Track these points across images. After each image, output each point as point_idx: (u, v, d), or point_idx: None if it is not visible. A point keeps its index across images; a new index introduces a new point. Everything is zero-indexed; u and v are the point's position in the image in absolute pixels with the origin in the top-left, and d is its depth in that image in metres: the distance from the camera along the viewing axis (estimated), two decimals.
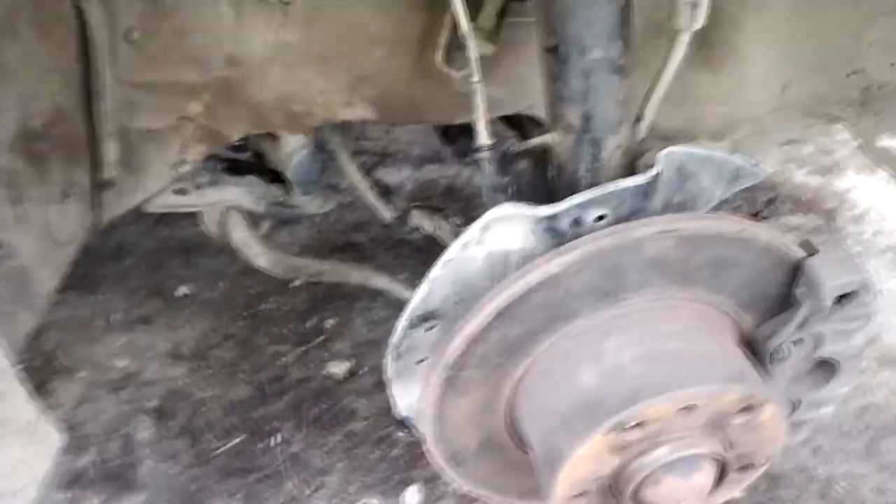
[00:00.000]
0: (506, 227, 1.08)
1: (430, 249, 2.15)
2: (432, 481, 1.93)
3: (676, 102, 1.40)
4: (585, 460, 1.06)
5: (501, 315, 1.06)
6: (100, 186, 1.46)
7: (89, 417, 2.12)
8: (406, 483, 1.93)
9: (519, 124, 1.86)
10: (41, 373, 2.24)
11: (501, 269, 1.12)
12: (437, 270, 1.11)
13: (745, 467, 1.18)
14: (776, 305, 1.18)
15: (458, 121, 1.58)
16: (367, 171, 1.79)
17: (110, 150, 1.41)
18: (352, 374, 2.26)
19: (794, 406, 1.31)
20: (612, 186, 1.05)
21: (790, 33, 1.42)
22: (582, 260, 1.02)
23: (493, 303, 1.05)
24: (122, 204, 1.57)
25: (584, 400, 1.07)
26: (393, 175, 3.13)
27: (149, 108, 1.45)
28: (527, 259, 1.11)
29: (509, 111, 1.55)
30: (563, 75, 1.07)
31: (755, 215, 1.33)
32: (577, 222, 1.07)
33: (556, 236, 1.09)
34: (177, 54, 1.37)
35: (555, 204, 1.05)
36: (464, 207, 2.97)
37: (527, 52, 1.42)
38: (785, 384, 1.23)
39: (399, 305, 2.43)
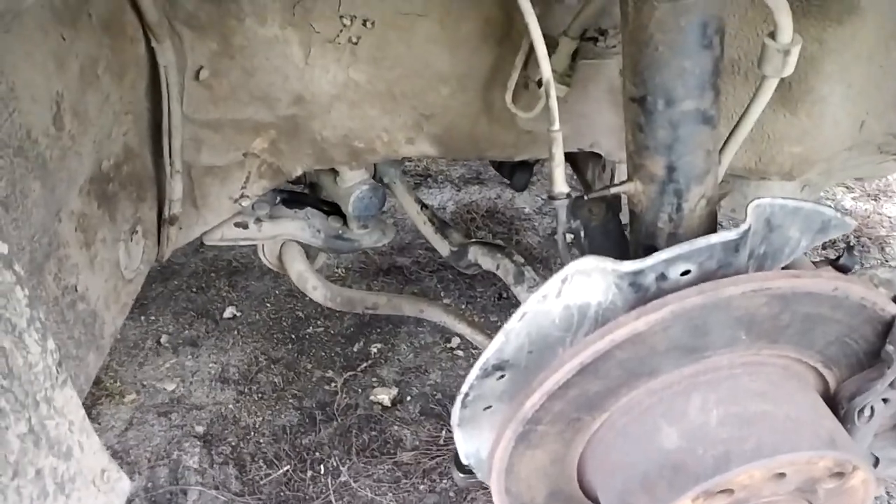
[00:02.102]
0: (586, 280, 1.05)
1: (476, 275, 2.13)
2: None
3: (749, 141, 1.37)
4: None
5: (584, 371, 1.03)
6: (164, 222, 1.47)
7: (137, 443, 2.13)
8: None
9: (572, 159, 1.84)
10: (89, 396, 2.25)
11: (579, 321, 1.09)
12: (513, 322, 1.08)
13: None
14: (862, 362, 1.14)
15: (520, 158, 1.56)
16: (423, 204, 1.77)
17: (176, 187, 1.41)
18: (398, 401, 2.24)
19: (875, 463, 1.26)
20: (701, 242, 1.01)
21: (869, 71, 1.37)
22: (670, 318, 0.99)
23: (576, 358, 1.02)
24: (184, 237, 1.57)
25: (667, 462, 1.03)
26: (435, 196, 3.12)
27: (215, 145, 1.45)
28: (606, 312, 1.08)
29: (572, 148, 1.52)
30: (650, 126, 1.04)
31: (834, 262, 1.28)
32: (661, 277, 1.04)
33: (639, 291, 1.05)
34: (245, 93, 1.37)
35: (641, 259, 1.02)
36: (506, 230, 2.95)
37: (594, 89, 1.40)
38: (868, 443, 1.19)
39: (446, 333, 2.42)
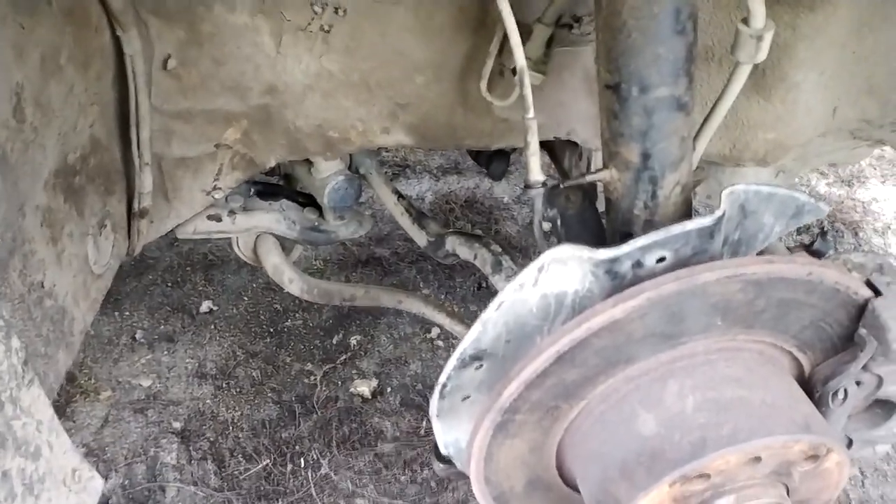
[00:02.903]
0: (563, 269, 1.05)
1: (455, 264, 2.12)
2: None
3: (723, 128, 1.37)
4: None
5: (561, 359, 1.03)
6: (134, 215, 1.44)
7: (114, 440, 2.10)
8: None
9: (549, 148, 1.83)
10: (63, 394, 2.21)
11: (556, 309, 1.09)
12: (490, 312, 1.07)
13: None
14: (836, 345, 1.15)
15: (496, 146, 1.55)
16: (399, 195, 1.75)
17: (146, 180, 1.39)
18: (378, 393, 2.23)
19: (849, 444, 1.28)
20: (676, 229, 1.01)
21: (841, 58, 1.38)
22: (646, 305, 0.99)
23: (553, 347, 1.02)
24: (156, 231, 1.54)
25: (644, 448, 1.03)
26: (413, 186, 3.11)
27: (185, 136, 1.42)
28: (583, 301, 1.08)
29: (548, 137, 1.51)
30: (624, 113, 1.04)
31: (808, 247, 1.29)
32: (637, 264, 1.04)
33: (616, 279, 1.05)
34: (215, 83, 1.35)
35: (617, 247, 1.02)
36: (485, 219, 2.94)
37: (570, 77, 1.39)
38: (842, 425, 1.20)
39: (426, 324, 2.41)
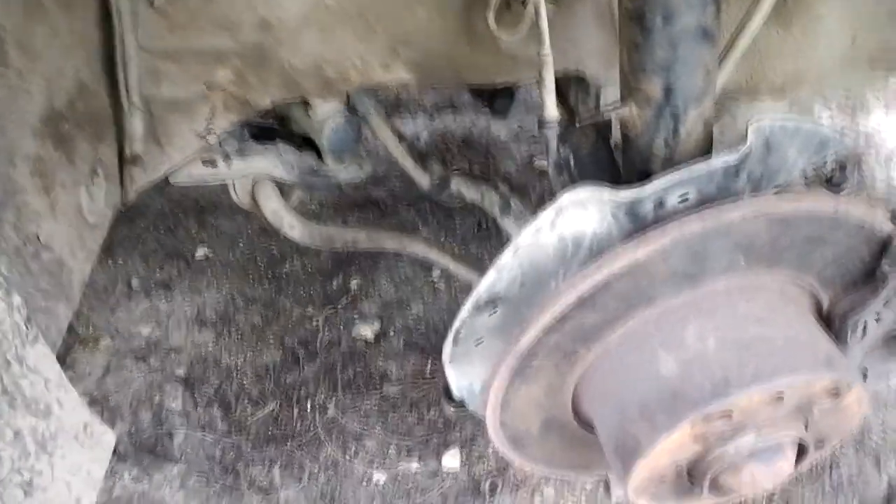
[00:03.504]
0: (581, 211, 1.01)
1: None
2: (471, 443, 1.92)
3: (740, 59, 1.31)
4: (667, 451, 1.03)
5: (581, 303, 1.01)
6: (126, 162, 1.38)
7: (117, 388, 2.09)
8: (444, 445, 1.93)
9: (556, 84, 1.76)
10: (61, 344, 2.18)
11: (573, 252, 1.06)
12: (507, 257, 1.04)
13: (821, 445, 1.16)
14: (857, 281, 1.13)
15: (500, 83, 1.48)
16: (401, 135, 1.69)
17: (136, 124, 1.33)
18: (381, 335, 2.22)
19: (864, 377, 1.28)
20: (702, 167, 0.97)
21: None
22: (670, 246, 0.96)
23: (573, 291, 0.99)
24: (149, 177, 1.49)
25: (665, 389, 1.03)
26: (407, 125, 3.02)
27: (175, 77, 1.35)
28: (601, 242, 1.05)
29: (558, 71, 1.45)
30: (648, 45, 0.98)
31: (826, 181, 1.26)
32: (659, 204, 1.01)
33: (636, 219, 1.02)
34: (204, 19, 1.27)
35: (639, 187, 0.98)
36: (483, 158, 2.88)
37: (580, 8, 1.32)
38: (860, 360, 1.20)
39: (426, 265, 2.38)
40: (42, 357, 0.97)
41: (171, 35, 1.28)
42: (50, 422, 0.98)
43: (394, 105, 3.11)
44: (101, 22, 1.20)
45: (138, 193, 1.48)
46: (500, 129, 2.95)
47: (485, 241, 2.49)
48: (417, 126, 3.02)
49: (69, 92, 1.18)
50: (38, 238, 1.10)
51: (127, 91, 1.29)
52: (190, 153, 1.50)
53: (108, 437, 1.08)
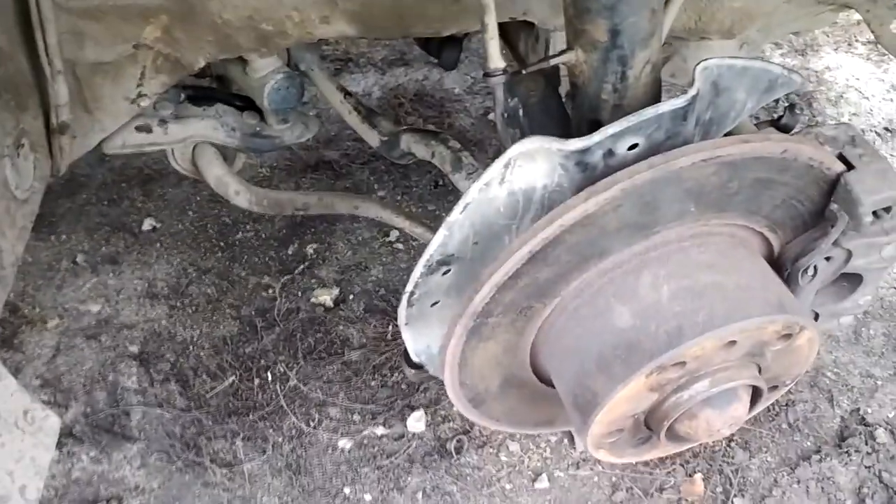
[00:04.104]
0: (530, 164, 0.98)
1: (410, 164, 2.03)
2: (435, 404, 1.91)
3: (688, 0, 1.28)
4: (623, 401, 1.03)
5: (533, 259, 0.99)
6: (53, 131, 1.30)
7: (69, 368, 2.02)
8: (409, 408, 1.92)
9: (503, 31, 1.71)
10: (7, 326, 2.10)
11: (524, 206, 1.03)
12: (455, 214, 1.01)
13: (775, 388, 1.17)
14: (806, 222, 1.13)
15: (447, 32, 1.43)
16: (346, 92, 1.62)
17: (60, 91, 1.25)
18: (340, 301, 2.18)
19: (815, 318, 1.30)
20: (649, 113, 0.95)
21: None
22: (620, 196, 0.94)
23: (525, 247, 0.97)
24: (80, 147, 1.42)
25: (620, 341, 1.02)
26: (358, 82, 2.93)
27: (98, 38, 1.27)
28: (552, 195, 1.02)
29: (503, 18, 1.39)
30: None
31: (776, 122, 1.25)
32: (609, 153, 0.98)
33: (586, 170, 0.99)
34: None
35: (587, 137, 0.95)
36: (437, 113, 2.82)
37: None
38: (811, 301, 1.21)
39: (384, 227, 2.33)
40: None
41: None
42: None
43: (343, 60, 3.02)
44: None
45: (70, 164, 1.40)
46: (453, 82, 2.89)
47: (442, 198, 2.44)
48: (368, 82, 2.94)
49: None
50: None
51: (47, 55, 1.20)
52: (122, 119, 1.43)
53: (51, 422, 1.04)
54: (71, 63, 1.28)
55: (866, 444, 1.80)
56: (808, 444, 1.82)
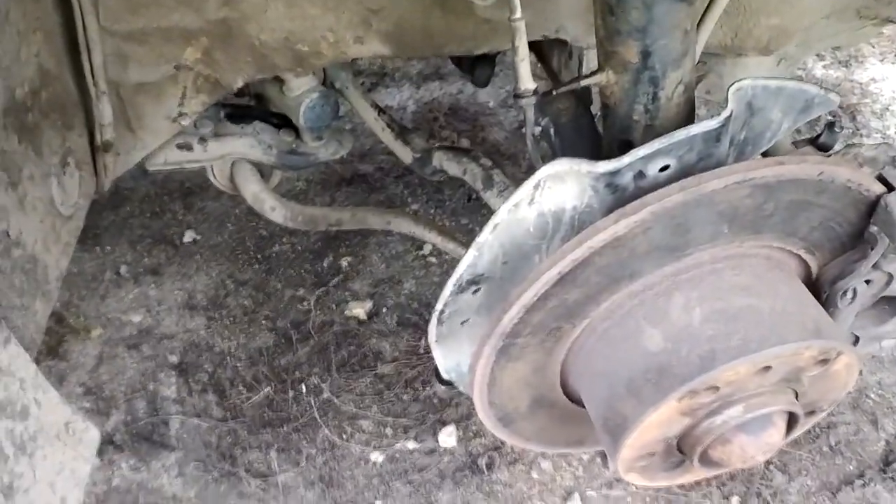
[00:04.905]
0: (560, 185, 0.98)
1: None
2: (467, 420, 1.91)
3: (724, 16, 1.27)
4: (654, 426, 1.01)
5: (562, 280, 0.98)
6: (98, 149, 1.34)
7: (110, 377, 2.08)
8: (441, 423, 1.92)
9: (536, 48, 1.71)
10: (53, 335, 2.17)
11: (554, 227, 1.03)
12: (485, 235, 1.01)
13: (812, 413, 1.14)
14: (845, 244, 1.11)
15: (479, 51, 1.44)
16: (380, 109, 1.65)
17: (105, 110, 1.29)
18: (374, 314, 2.20)
19: (855, 341, 1.26)
20: (681, 134, 0.94)
21: None
22: (650, 219, 0.93)
23: (554, 269, 0.97)
24: (123, 164, 1.46)
25: (652, 364, 1.01)
26: (393, 96, 2.96)
27: (141, 59, 1.31)
28: (582, 216, 1.02)
29: (536, 36, 1.40)
30: (622, 7, 0.94)
31: (815, 141, 1.22)
32: (640, 175, 0.97)
33: (616, 191, 0.99)
34: None
35: (617, 159, 0.95)
36: (471, 127, 2.83)
37: None
38: (850, 324, 1.18)
39: (417, 240, 2.35)
40: (15, 358, 0.95)
41: (133, 15, 1.24)
42: (28, 423, 0.96)
43: (379, 75, 3.05)
44: (58, 4, 1.15)
45: (114, 181, 1.45)
46: (487, 96, 2.90)
47: (475, 212, 2.45)
48: (403, 96, 2.97)
49: (31, 80, 1.14)
50: (7, 234, 1.07)
51: (93, 76, 1.25)
52: (163, 137, 1.47)
53: (91, 434, 1.07)
54: (115, 84, 1.32)
55: None
56: (851, 467, 1.76)
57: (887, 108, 2.86)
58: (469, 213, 2.45)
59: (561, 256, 0.96)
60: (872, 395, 1.94)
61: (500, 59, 1.86)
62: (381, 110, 1.65)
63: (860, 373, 1.96)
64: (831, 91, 1.05)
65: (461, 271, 1.05)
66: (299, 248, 2.40)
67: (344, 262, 2.35)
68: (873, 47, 3.11)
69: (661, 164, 0.97)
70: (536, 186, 0.97)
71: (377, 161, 2.67)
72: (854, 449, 1.79)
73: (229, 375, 2.07)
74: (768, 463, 1.74)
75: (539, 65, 1.74)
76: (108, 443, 1.92)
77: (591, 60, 1.48)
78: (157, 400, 2.02)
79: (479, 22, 1.34)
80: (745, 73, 1.48)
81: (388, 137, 1.63)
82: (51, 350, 2.14)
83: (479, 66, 1.61)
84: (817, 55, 3.02)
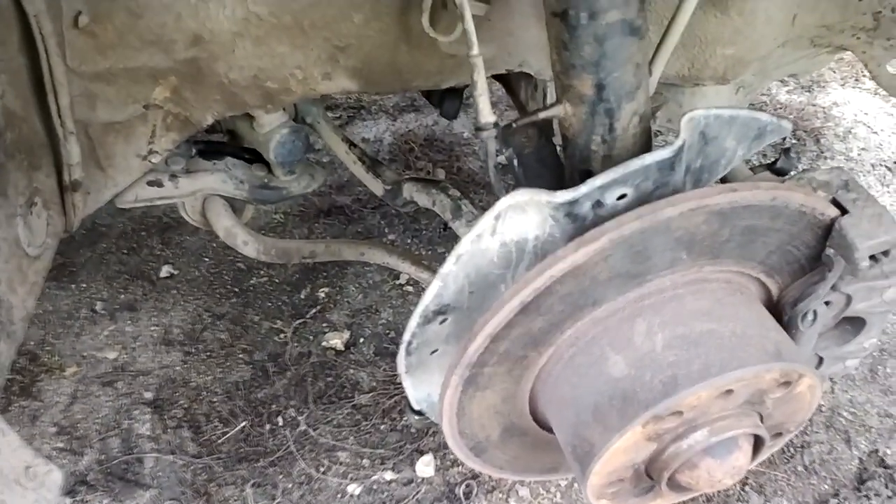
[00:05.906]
0: (521, 215, 1.00)
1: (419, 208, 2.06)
2: (444, 448, 1.91)
3: (680, 47, 1.30)
4: (621, 452, 1.02)
5: (525, 310, 0.99)
6: (66, 189, 1.34)
7: (84, 416, 2.05)
8: (418, 452, 1.91)
9: (504, 80, 1.75)
10: (27, 374, 2.15)
11: (518, 257, 1.05)
12: (449, 265, 1.03)
13: (778, 435, 1.15)
14: (804, 267, 1.13)
15: (447, 85, 1.46)
16: (351, 143, 1.67)
17: (73, 150, 1.29)
18: (351, 344, 2.20)
19: (819, 362, 1.28)
20: (635, 164, 0.96)
21: None
22: (609, 247, 0.95)
23: (516, 298, 0.98)
24: (93, 203, 1.46)
25: (616, 391, 1.02)
26: (370, 128, 3.00)
27: (110, 99, 1.32)
28: (545, 245, 1.04)
29: (500, 70, 1.43)
30: (574, 42, 0.97)
31: (772, 167, 1.26)
32: (598, 204, 0.99)
33: (576, 220, 1.01)
34: (134, 37, 1.24)
35: (574, 189, 0.97)
36: (447, 157, 2.86)
37: (517, 3, 1.30)
38: (812, 345, 1.20)
39: (394, 270, 2.36)
40: None
41: (101, 56, 1.25)
42: None
43: (355, 108, 3.09)
44: (23, 46, 1.16)
45: (87, 218, 1.45)
46: (462, 126, 2.94)
47: (451, 241, 2.46)
48: (380, 128, 3.00)
49: None
50: None
51: (59, 117, 1.25)
52: (134, 175, 1.47)
53: (53, 476, 1.05)
54: (83, 123, 1.33)
55: (886, 486, 1.75)
56: (826, 486, 1.78)
57: (850, 132, 2.94)
58: (445, 243, 2.47)
59: (523, 286, 0.97)
60: (845, 414, 1.96)
61: (468, 91, 1.90)
62: (352, 144, 1.67)
63: (832, 391, 1.99)
64: (784, 118, 1.08)
65: (426, 302, 1.05)
66: (277, 280, 2.41)
67: (321, 293, 2.35)
68: (834, 72, 3.20)
69: (619, 192, 0.99)
70: (497, 217, 0.99)
71: (354, 192, 2.69)
72: (828, 468, 1.80)
73: (205, 410, 2.05)
74: (744, 484, 1.75)
75: (509, 97, 1.77)
76: (81, 482, 1.89)
77: (554, 92, 1.51)
78: (132, 437, 2.00)
79: (445, 57, 1.36)
80: (704, 101, 1.52)
81: (359, 170, 1.65)
82: (24, 389, 2.12)
83: (447, 100, 1.64)
84: (781, 81, 3.10)
